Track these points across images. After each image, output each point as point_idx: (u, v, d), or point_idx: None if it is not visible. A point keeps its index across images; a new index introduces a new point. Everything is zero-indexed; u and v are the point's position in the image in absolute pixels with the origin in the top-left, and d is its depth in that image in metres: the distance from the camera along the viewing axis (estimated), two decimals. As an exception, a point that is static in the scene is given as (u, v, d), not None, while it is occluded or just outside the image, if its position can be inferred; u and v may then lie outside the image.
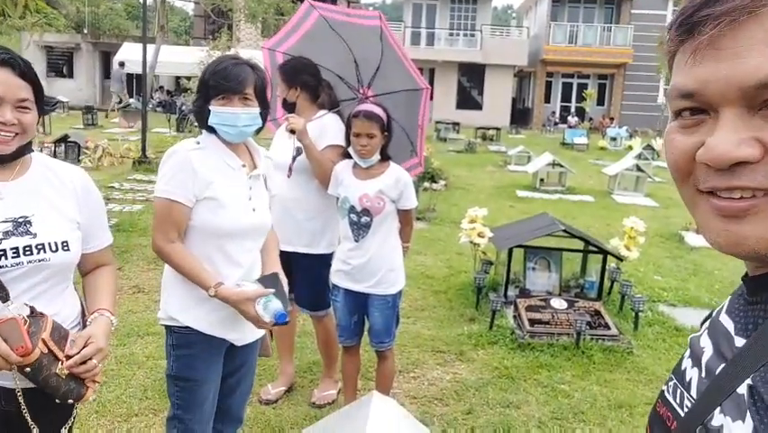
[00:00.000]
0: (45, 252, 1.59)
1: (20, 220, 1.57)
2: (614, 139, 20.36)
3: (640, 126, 26.40)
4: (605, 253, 4.70)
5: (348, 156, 2.98)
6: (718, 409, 0.58)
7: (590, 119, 29.23)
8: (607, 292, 4.89)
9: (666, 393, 0.72)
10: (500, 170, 13.75)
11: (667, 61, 0.64)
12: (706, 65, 0.56)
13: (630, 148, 18.18)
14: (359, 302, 3.04)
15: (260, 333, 2.28)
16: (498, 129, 20.98)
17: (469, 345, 4.23)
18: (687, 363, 0.71)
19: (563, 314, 4.32)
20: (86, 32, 28.20)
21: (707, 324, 0.72)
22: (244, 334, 2.18)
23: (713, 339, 0.67)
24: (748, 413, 0.54)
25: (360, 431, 2.16)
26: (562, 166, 11.14)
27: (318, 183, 3.11)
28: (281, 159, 3.06)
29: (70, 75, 27.48)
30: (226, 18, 23.84)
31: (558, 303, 4.44)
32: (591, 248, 4.77)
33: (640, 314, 4.40)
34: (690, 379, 0.68)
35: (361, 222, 2.92)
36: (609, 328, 4.21)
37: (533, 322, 4.27)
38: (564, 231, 4.60)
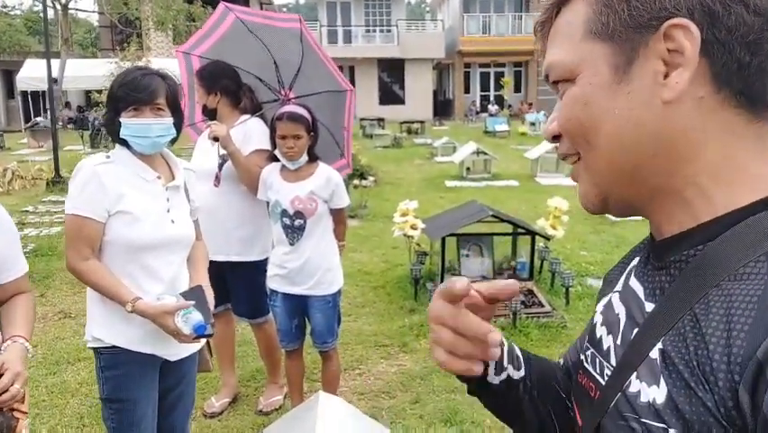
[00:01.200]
0: None
1: None
2: (533, 124, 21.04)
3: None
4: (533, 233, 4.87)
5: (274, 159, 2.96)
6: (635, 374, 0.59)
7: (510, 106, 30.10)
8: (538, 271, 5.06)
9: (585, 363, 0.73)
10: (428, 162, 13.96)
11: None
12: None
13: (549, 131, 18.85)
14: (298, 305, 3.02)
15: (196, 347, 2.24)
16: (422, 122, 21.30)
17: (411, 336, 4.28)
18: (602, 330, 0.72)
19: (499, 296, 4.45)
20: (-17, 50, 26.57)
21: (618, 286, 0.73)
22: (177, 348, 2.13)
23: (626, 305, 0.68)
24: (662, 377, 0.56)
25: (308, 431, 2.15)
26: (486, 154, 11.42)
27: (245, 189, 3.07)
28: (206, 167, 3.00)
29: (-30, 97, 25.85)
30: (134, 27, 23.02)
31: (493, 286, 4.56)
32: (520, 230, 4.93)
33: (570, 289, 4.58)
34: (608, 347, 0.69)
35: (294, 225, 2.90)
36: (543, 306, 4.37)
37: (470, 307, 4.37)
38: (493, 216, 4.73)
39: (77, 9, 25.85)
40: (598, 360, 0.70)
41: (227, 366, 3.47)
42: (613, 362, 0.66)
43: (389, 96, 30.02)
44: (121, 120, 1.99)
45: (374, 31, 30.62)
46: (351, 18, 30.50)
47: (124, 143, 2.04)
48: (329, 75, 3.57)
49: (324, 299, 3.00)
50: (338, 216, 3.08)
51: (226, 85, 3.09)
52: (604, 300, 0.74)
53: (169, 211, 2.09)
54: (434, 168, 12.89)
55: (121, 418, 2.05)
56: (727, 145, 0.58)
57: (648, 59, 0.58)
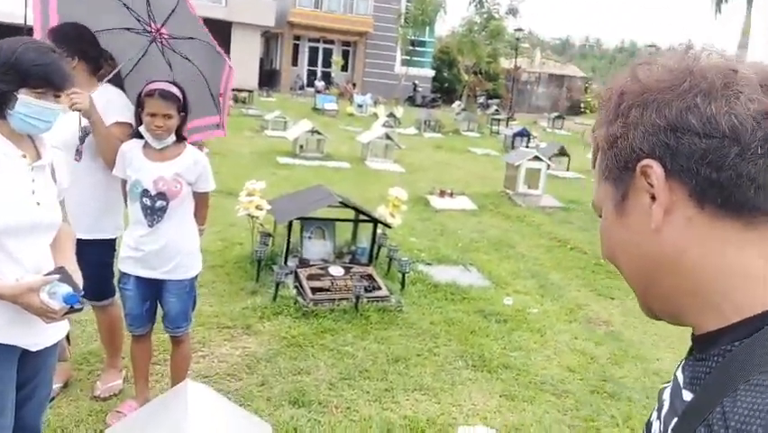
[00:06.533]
0: None
1: None
2: (360, 106, 21.61)
3: (380, 94, 28.34)
4: (375, 221, 5.12)
5: (137, 135, 2.81)
6: None
7: (337, 85, 30.52)
8: (375, 256, 5.34)
9: None
10: (258, 134, 13.74)
11: None
12: None
13: (375, 115, 19.53)
14: (152, 289, 2.93)
15: (59, 337, 2.11)
16: (250, 91, 20.75)
17: (254, 318, 4.31)
18: (654, 415, 0.76)
19: (341, 280, 4.64)
20: None
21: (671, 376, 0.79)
22: (40, 338, 1.99)
23: (671, 393, 0.73)
24: None
25: (178, 425, 2.14)
26: (320, 133, 11.55)
27: (102, 163, 2.87)
28: (62, 139, 2.74)
29: None
30: None
31: (336, 270, 4.75)
32: (362, 217, 5.16)
33: (406, 275, 4.92)
34: (654, 431, 0.73)
35: (155, 206, 2.79)
36: (382, 290, 4.65)
37: (314, 290, 4.51)
38: (340, 203, 4.89)
39: None
40: None
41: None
42: None
43: (214, 59, 28.53)
44: (19, 95, 1.79)
45: (202, -12, 28.92)
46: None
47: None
48: (205, 32, 3.38)
49: (181, 284, 2.94)
50: (202, 200, 3.03)
51: (85, 50, 2.85)
52: (663, 387, 0.79)
53: (34, 193, 1.93)
54: (264, 142, 12.73)
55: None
56: (729, 255, 0.63)
57: (637, 194, 0.67)
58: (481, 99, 31.71)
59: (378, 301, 4.52)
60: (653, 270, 0.68)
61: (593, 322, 4.96)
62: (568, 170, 12.94)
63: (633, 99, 0.66)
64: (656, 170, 0.64)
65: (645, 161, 0.65)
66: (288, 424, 3.17)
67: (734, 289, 0.63)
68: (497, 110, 25.51)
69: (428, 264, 5.75)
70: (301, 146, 11.32)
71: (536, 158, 9.56)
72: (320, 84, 29.54)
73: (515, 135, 16.38)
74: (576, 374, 4.02)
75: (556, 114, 26.99)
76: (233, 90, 20.27)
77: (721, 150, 0.61)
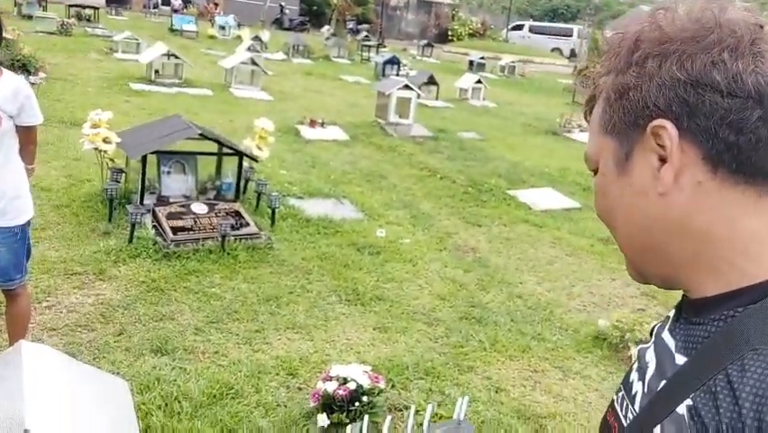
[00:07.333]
0: None
1: None
2: (223, 28, 20.25)
3: (244, 15, 26.71)
4: (240, 154, 4.81)
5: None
6: (658, 427, 0.59)
7: (196, 4, 28.35)
8: (242, 192, 5.06)
9: (615, 403, 0.74)
10: (107, 57, 12.44)
11: None
12: None
13: (240, 38, 18.43)
14: (-25, 238, 2.52)
15: None
16: (95, 8, 18.66)
17: (108, 263, 3.94)
18: (634, 375, 0.73)
19: (205, 218, 4.35)
20: None
21: (654, 338, 0.74)
22: None
23: (657, 355, 0.69)
24: None
25: (14, 393, 1.87)
26: (177, 58, 10.65)
27: None
28: None
29: None
30: None
31: (199, 208, 4.43)
32: (227, 150, 4.82)
33: (276, 210, 4.71)
34: (636, 392, 0.70)
35: (-32, 142, 2.36)
36: (250, 227, 4.42)
37: (175, 230, 4.19)
38: (201, 135, 4.51)
39: None
40: (626, 403, 0.72)
41: None
42: (637, 407, 0.68)
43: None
44: None
45: None
46: None
47: None
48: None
49: (10, 232, 2.57)
50: (28, 136, 2.63)
51: None
52: (644, 347, 0.75)
53: None
54: (114, 66, 11.54)
55: None
56: (740, 221, 0.60)
57: (644, 153, 0.62)
58: (351, 24, 30.98)
59: (246, 239, 4.30)
60: (655, 233, 0.64)
61: (461, 249, 5.09)
62: (437, 99, 13.07)
63: (651, 48, 0.61)
64: (670, 131, 0.59)
65: (658, 121, 0.60)
66: (150, 374, 2.96)
67: (741, 255, 0.60)
68: (367, 36, 25.05)
69: (300, 198, 5.56)
70: (157, 71, 10.39)
71: (407, 87, 9.50)
72: (177, 3, 27.23)
73: (385, 63, 16.18)
74: (446, 302, 4.11)
75: (425, 41, 27.05)
76: (75, 6, 18.21)
77: (743, 111, 0.57)
